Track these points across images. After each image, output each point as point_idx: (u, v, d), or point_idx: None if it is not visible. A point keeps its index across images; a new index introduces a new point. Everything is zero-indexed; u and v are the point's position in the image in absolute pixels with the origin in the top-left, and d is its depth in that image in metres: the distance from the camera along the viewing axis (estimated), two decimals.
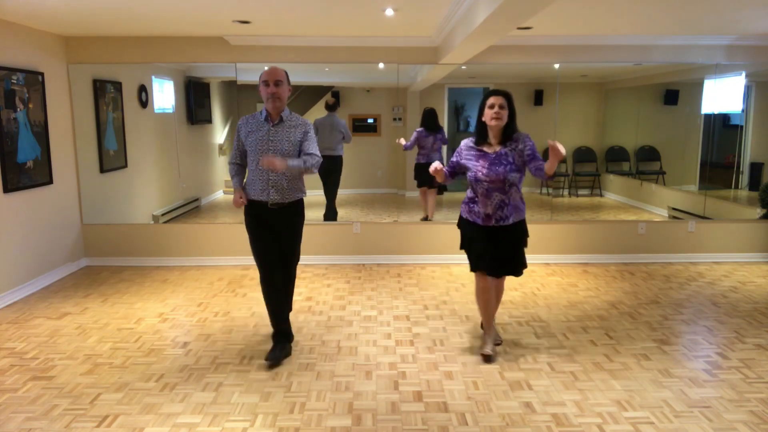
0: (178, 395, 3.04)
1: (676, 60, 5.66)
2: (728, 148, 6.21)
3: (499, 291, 3.52)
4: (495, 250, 3.32)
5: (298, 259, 3.67)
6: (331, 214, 6.28)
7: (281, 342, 3.51)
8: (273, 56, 5.54)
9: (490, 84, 6.79)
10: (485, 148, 3.30)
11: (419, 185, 6.27)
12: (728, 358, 3.47)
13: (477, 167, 3.28)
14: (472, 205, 3.37)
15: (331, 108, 6.28)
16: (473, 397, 3.01)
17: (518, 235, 3.36)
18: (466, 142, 3.39)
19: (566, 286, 4.94)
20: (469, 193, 3.40)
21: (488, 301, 3.45)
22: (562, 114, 6.50)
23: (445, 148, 6.39)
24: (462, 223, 3.48)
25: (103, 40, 5.44)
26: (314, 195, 6.42)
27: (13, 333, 3.94)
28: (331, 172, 6.29)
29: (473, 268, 3.43)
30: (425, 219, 6.18)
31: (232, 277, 5.27)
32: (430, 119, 6.08)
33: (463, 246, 3.49)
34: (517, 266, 3.38)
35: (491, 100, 3.27)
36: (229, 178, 3.79)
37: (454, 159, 3.43)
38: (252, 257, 3.74)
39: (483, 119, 3.30)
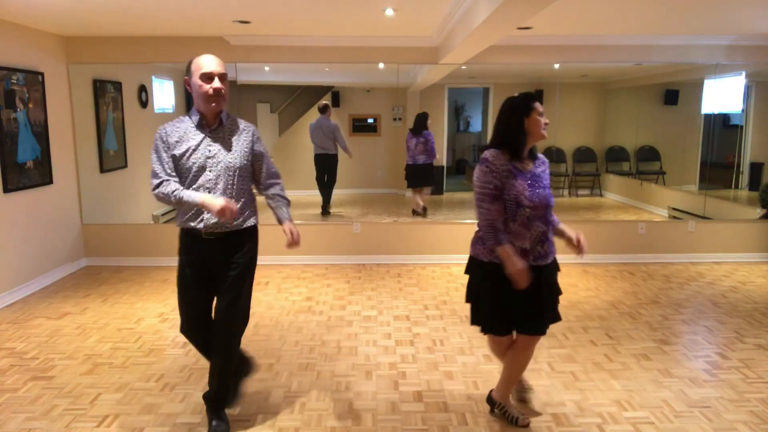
0: (178, 395, 3.04)
1: (676, 60, 5.66)
2: (728, 148, 6.21)
3: (531, 353, 2.75)
4: (536, 300, 2.60)
5: (245, 321, 2.70)
6: (325, 210, 6.45)
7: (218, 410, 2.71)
8: (273, 56, 5.54)
9: (490, 84, 6.79)
10: (518, 165, 2.57)
11: (409, 185, 6.46)
12: (728, 358, 3.47)
13: (518, 188, 2.53)
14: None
15: (321, 111, 6.42)
16: (473, 397, 3.01)
17: (556, 277, 2.72)
18: (494, 155, 2.54)
19: (566, 286, 4.94)
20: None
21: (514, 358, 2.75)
22: (562, 114, 6.50)
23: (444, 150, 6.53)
24: (479, 270, 2.62)
25: (103, 40, 5.44)
26: (306, 195, 6.43)
27: (13, 333, 3.94)
28: (327, 168, 6.49)
29: (491, 330, 2.65)
30: (415, 212, 6.29)
31: None
32: (415, 122, 6.24)
33: (473, 297, 2.67)
34: (555, 316, 2.69)
35: (540, 106, 2.55)
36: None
37: (493, 181, 2.52)
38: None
39: (527, 128, 2.54)
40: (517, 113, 2.55)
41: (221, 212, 2.40)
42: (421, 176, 6.33)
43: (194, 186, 2.55)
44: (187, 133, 2.55)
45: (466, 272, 2.73)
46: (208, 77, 2.49)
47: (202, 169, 2.55)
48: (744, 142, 6.21)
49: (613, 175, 7.20)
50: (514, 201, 2.53)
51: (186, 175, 2.55)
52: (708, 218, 5.90)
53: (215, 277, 2.62)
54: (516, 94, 2.63)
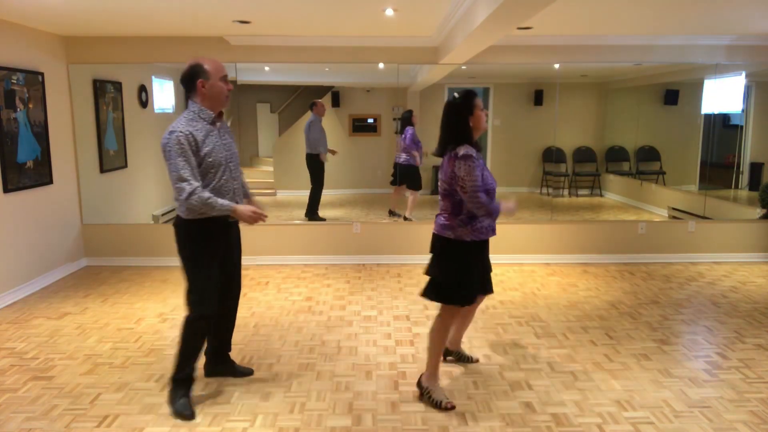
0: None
1: (676, 60, 5.67)
2: (728, 148, 6.21)
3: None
4: (488, 265, 3.09)
5: None
6: (308, 213, 6.36)
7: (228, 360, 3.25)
8: (273, 56, 5.54)
9: (490, 84, 6.80)
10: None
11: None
12: (728, 358, 3.47)
13: (488, 178, 2.88)
14: (474, 222, 2.85)
15: (309, 108, 6.36)
16: (473, 397, 3.01)
17: None
18: (471, 150, 2.82)
19: (566, 286, 4.94)
20: (465, 212, 2.85)
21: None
22: (562, 114, 6.50)
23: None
24: (465, 250, 2.87)
25: (103, 40, 5.44)
26: (305, 195, 6.43)
27: (13, 333, 3.94)
28: (308, 168, 6.39)
29: (473, 299, 2.96)
30: (392, 213, 6.19)
31: None
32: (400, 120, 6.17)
33: (463, 277, 2.89)
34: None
35: (480, 102, 2.89)
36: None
37: (480, 174, 2.79)
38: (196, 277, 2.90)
39: (473, 125, 2.86)
40: (462, 113, 2.84)
41: (252, 218, 2.72)
42: (396, 175, 6.25)
43: (219, 182, 2.78)
44: (207, 131, 2.74)
45: (441, 256, 2.91)
46: (226, 79, 2.78)
47: (227, 163, 2.82)
48: (744, 142, 6.21)
49: (613, 175, 7.20)
50: (491, 189, 2.85)
51: (212, 172, 2.75)
52: (708, 218, 5.90)
53: (227, 253, 2.95)
54: (456, 95, 2.90)
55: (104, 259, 5.74)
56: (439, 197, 2.96)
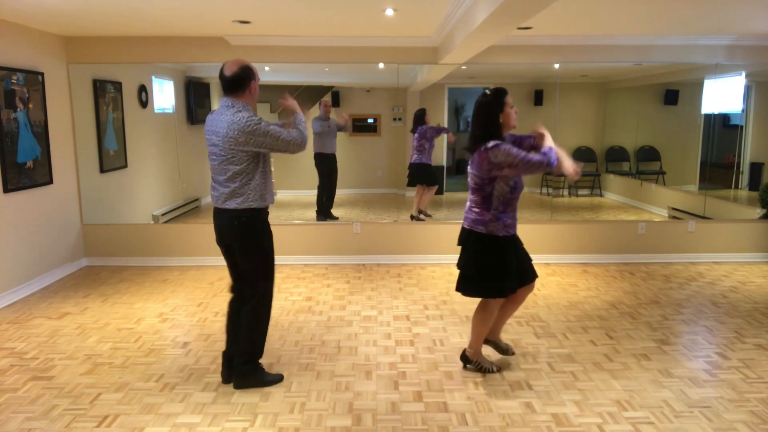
0: (178, 395, 3.04)
1: (676, 60, 5.66)
2: (728, 148, 6.21)
3: (524, 300, 3.33)
4: (524, 257, 3.15)
5: None
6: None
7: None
8: (273, 56, 5.54)
9: (490, 84, 6.80)
10: None
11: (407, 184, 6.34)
12: (728, 358, 3.47)
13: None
14: (504, 218, 2.99)
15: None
16: (473, 397, 3.01)
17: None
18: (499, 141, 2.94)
19: (566, 286, 4.94)
20: (495, 207, 2.97)
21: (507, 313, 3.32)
22: (562, 114, 6.50)
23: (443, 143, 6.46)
24: (499, 244, 2.99)
25: (103, 40, 5.44)
26: (305, 195, 6.43)
27: (13, 333, 3.94)
28: (315, 167, 6.46)
29: (512, 290, 3.04)
30: (413, 217, 6.15)
31: None
32: (413, 120, 6.16)
33: (499, 270, 3.00)
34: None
35: (510, 100, 2.96)
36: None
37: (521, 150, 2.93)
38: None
39: (502, 122, 2.95)
40: (492, 110, 2.92)
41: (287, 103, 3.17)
42: (412, 175, 6.22)
43: (268, 167, 3.03)
44: None
45: (475, 252, 3.01)
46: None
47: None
48: (744, 142, 6.21)
49: (613, 175, 7.20)
50: (516, 182, 2.98)
51: (265, 158, 3.00)
52: (708, 218, 5.90)
53: None
54: (487, 91, 2.97)
55: (104, 259, 5.74)
56: (468, 192, 3.06)
